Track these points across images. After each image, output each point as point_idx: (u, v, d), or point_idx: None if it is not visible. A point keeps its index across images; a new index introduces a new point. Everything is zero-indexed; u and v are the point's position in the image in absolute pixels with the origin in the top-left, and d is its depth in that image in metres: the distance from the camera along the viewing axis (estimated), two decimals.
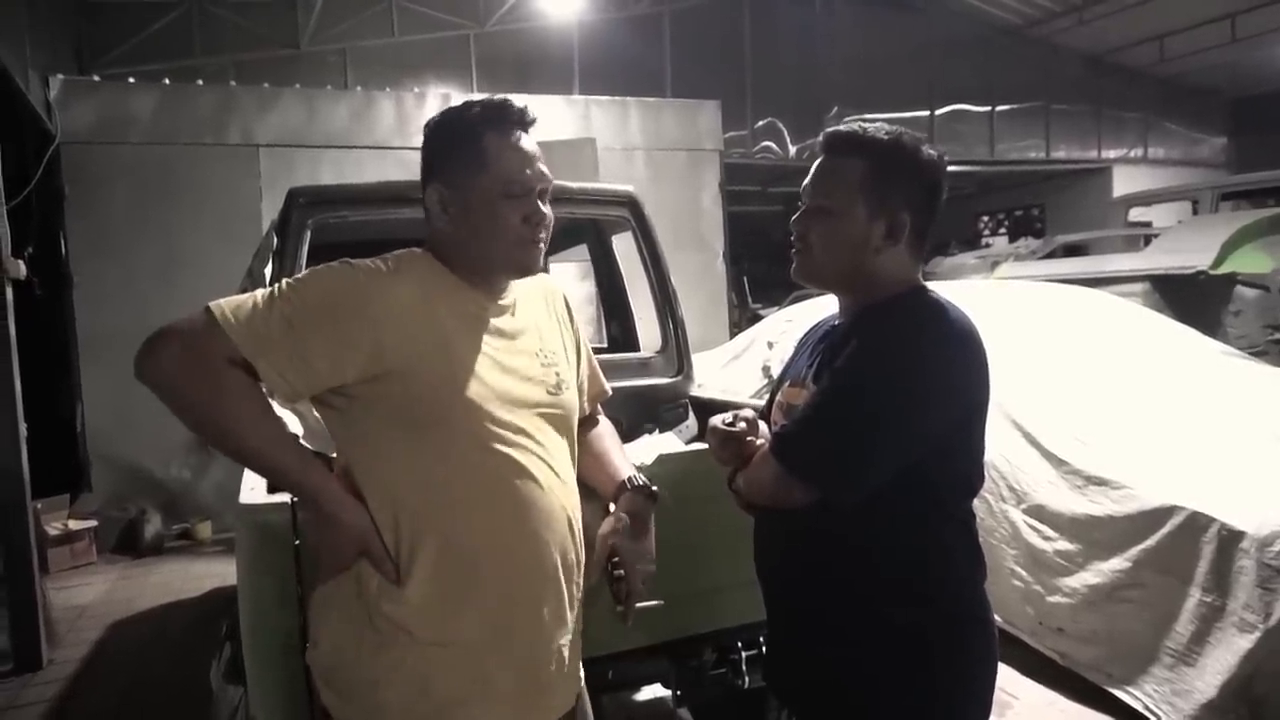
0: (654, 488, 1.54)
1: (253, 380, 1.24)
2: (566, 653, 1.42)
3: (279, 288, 1.28)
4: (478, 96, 1.44)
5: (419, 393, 1.29)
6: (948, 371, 1.30)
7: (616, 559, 1.46)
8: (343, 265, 1.32)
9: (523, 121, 1.42)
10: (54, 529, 5.27)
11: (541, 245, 1.43)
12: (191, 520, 5.97)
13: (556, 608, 1.39)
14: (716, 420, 1.48)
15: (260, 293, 1.27)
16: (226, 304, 1.24)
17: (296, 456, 1.28)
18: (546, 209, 1.42)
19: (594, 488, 1.58)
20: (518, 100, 1.42)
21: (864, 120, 1.42)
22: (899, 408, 1.28)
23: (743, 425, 1.44)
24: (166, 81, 6.82)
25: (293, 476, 1.28)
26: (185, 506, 6.05)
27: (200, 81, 7.04)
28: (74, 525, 5.43)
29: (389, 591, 1.28)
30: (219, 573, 5.06)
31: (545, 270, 1.54)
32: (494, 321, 1.41)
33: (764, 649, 1.97)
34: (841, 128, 1.42)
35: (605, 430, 1.69)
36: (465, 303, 1.39)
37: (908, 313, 1.35)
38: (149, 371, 1.22)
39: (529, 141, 1.42)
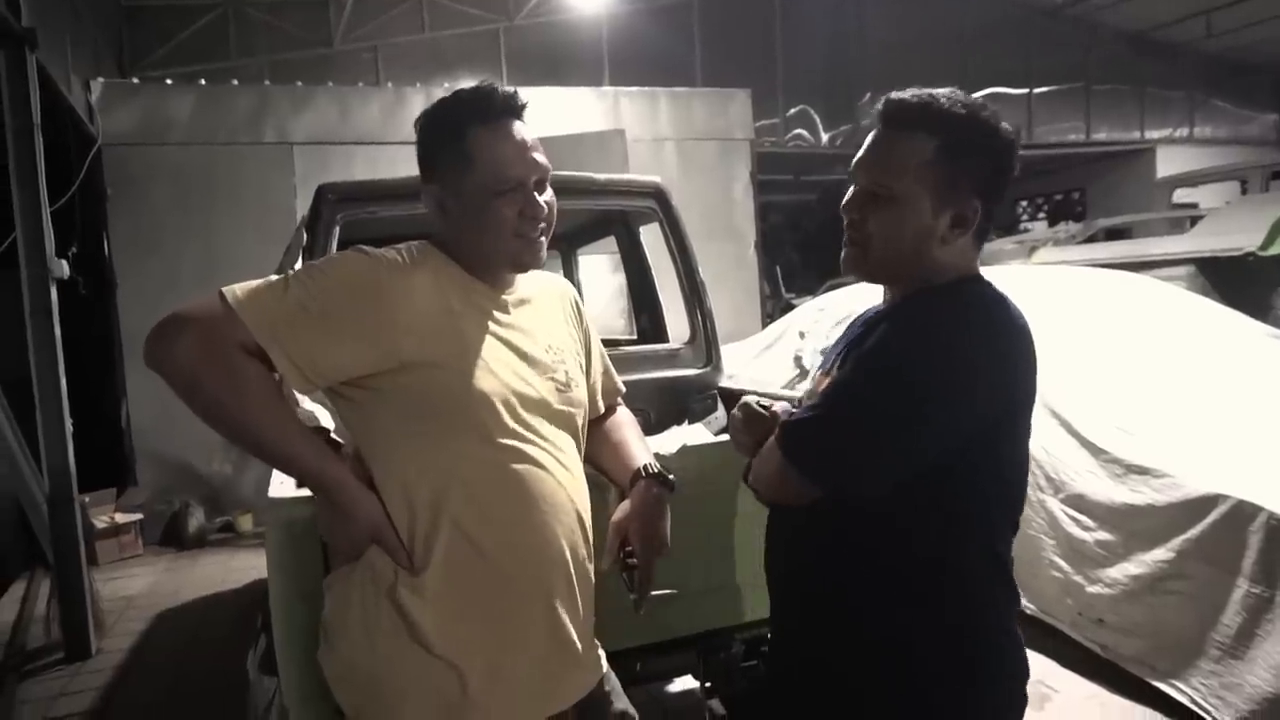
0: (670, 476, 1.52)
1: (268, 370, 1.22)
2: (579, 642, 1.40)
3: (296, 275, 1.26)
4: (465, 85, 1.38)
5: (434, 385, 1.28)
6: (977, 365, 1.15)
7: (630, 548, 1.44)
8: (358, 254, 1.30)
9: (511, 109, 1.37)
10: (101, 522, 5.42)
11: (541, 239, 1.39)
12: (233, 513, 6.10)
13: (567, 596, 1.38)
14: (751, 398, 1.39)
15: (275, 279, 1.25)
16: (240, 290, 1.22)
17: (311, 448, 1.27)
18: (544, 199, 1.38)
19: (610, 476, 1.57)
20: (504, 87, 1.37)
21: (929, 90, 1.20)
22: (917, 402, 1.14)
23: (775, 407, 1.35)
24: (203, 83, 6.95)
25: (308, 467, 1.27)
26: (227, 500, 6.18)
27: (236, 82, 7.17)
28: (120, 519, 5.58)
29: (404, 579, 1.28)
30: (260, 565, 5.09)
31: (568, 262, 1.53)
32: (503, 316, 1.39)
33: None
34: (906, 95, 1.21)
35: (625, 419, 1.67)
36: (476, 297, 1.38)
37: (943, 301, 1.20)
38: (163, 359, 1.20)
39: (519, 129, 1.36)
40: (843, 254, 1.28)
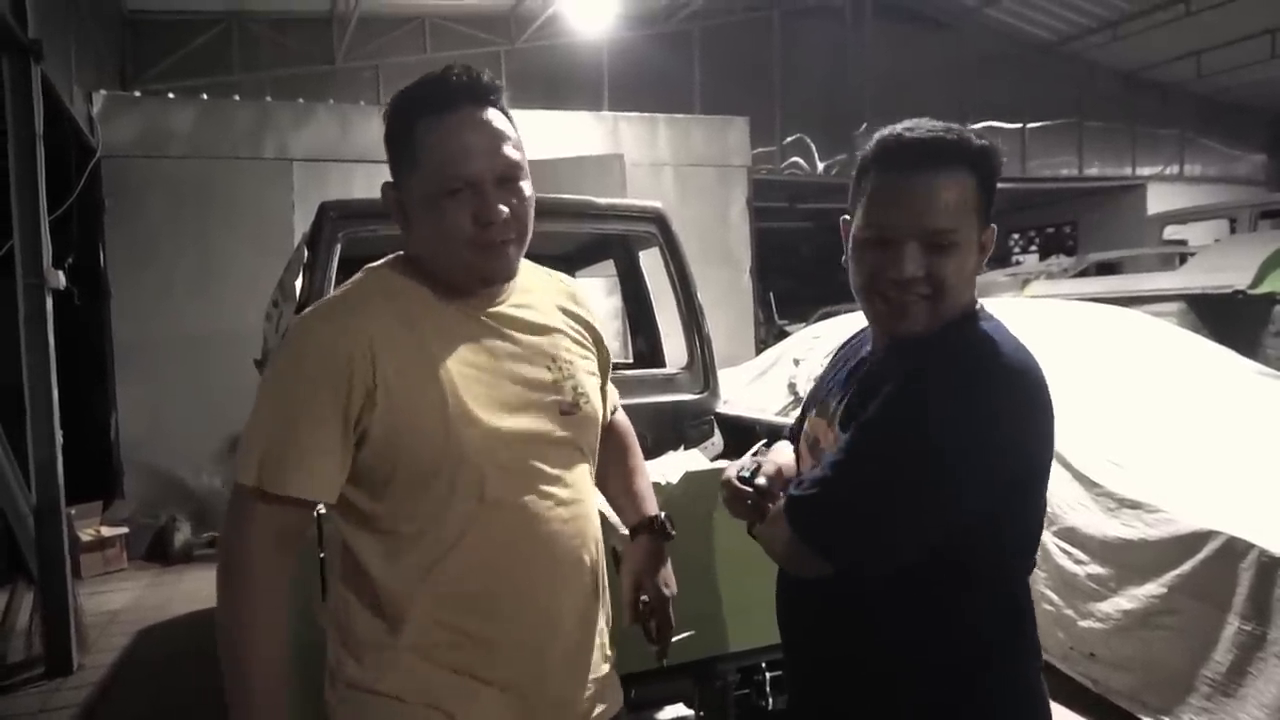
0: (671, 529, 1.45)
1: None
2: (590, 699, 1.28)
3: (266, 390, 1.16)
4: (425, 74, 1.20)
5: (408, 446, 1.13)
6: (1003, 430, 1.06)
7: (645, 597, 1.39)
8: (302, 330, 1.16)
9: (472, 94, 1.15)
10: (86, 535, 5.36)
11: (506, 246, 1.18)
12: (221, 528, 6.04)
13: (576, 655, 1.26)
14: (731, 472, 1.28)
15: (256, 416, 1.15)
16: (250, 460, 1.12)
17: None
18: (511, 200, 1.16)
19: (616, 509, 1.51)
20: (468, 69, 1.17)
21: (943, 125, 1.13)
22: (937, 477, 1.05)
23: (762, 481, 1.23)
24: (205, 97, 6.98)
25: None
26: (215, 515, 6.12)
27: (237, 97, 7.21)
28: (106, 532, 5.53)
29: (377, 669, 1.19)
30: None
31: (562, 273, 1.41)
32: (489, 340, 1.21)
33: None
34: (937, 130, 1.11)
35: (629, 443, 1.55)
36: (450, 320, 1.19)
37: (956, 350, 1.10)
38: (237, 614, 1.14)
39: (475, 120, 1.15)
40: (895, 308, 1.14)
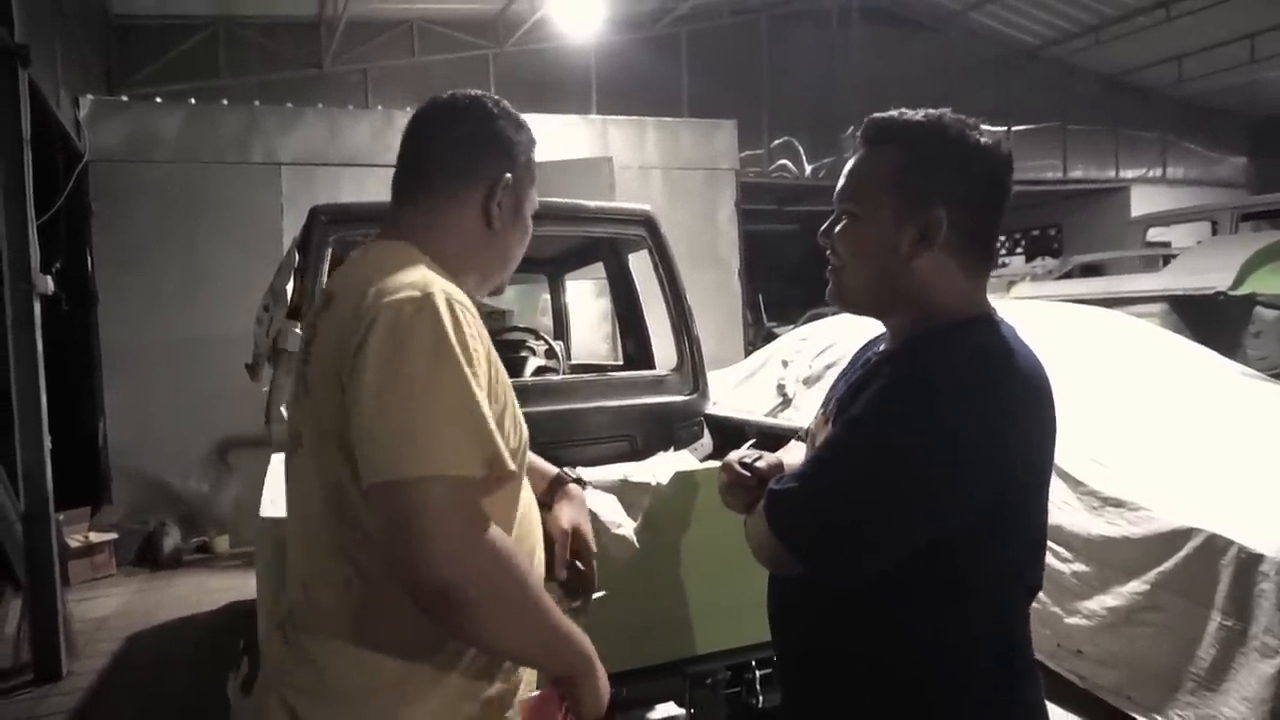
0: (583, 478, 1.53)
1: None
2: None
3: (422, 388, 1.00)
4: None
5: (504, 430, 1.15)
6: (989, 432, 1.01)
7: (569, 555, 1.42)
8: (434, 322, 1.03)
9: None
10: (75, 541, 5.33)
11: None
12: (209, 533, 6.03)
13: None
14: (732, 456, 1.29)
15: (442, 407, 1.01)
16: (444, 456, 0.98)
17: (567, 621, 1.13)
18: None
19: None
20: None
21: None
22: (917, 479, 1.01)
23: (761, 465, 1.25)
24: (193, 101, 6.97)
25: (580, 648, 1.11)
26: (203, 520, 6.11)
27: (225, 101, 7.19)
28: (94, 537, 5.50)
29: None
30: (236, 586, 5.09)
31: (555, 286, 1.50)
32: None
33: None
34: (880, 114, 1.15)
35: None
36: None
37: (950, 351, 1.07)
38: (473, 583, 0.97)
39: None
40: (828, 286, 1.20)
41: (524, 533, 1.23)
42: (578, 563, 1.40)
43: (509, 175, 1.25)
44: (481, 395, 1.03)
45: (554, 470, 1.52)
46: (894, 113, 1.14)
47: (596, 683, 1.14)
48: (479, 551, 0.99)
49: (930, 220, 1.09)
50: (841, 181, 1.17)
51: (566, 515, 1.43)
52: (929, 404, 1.01)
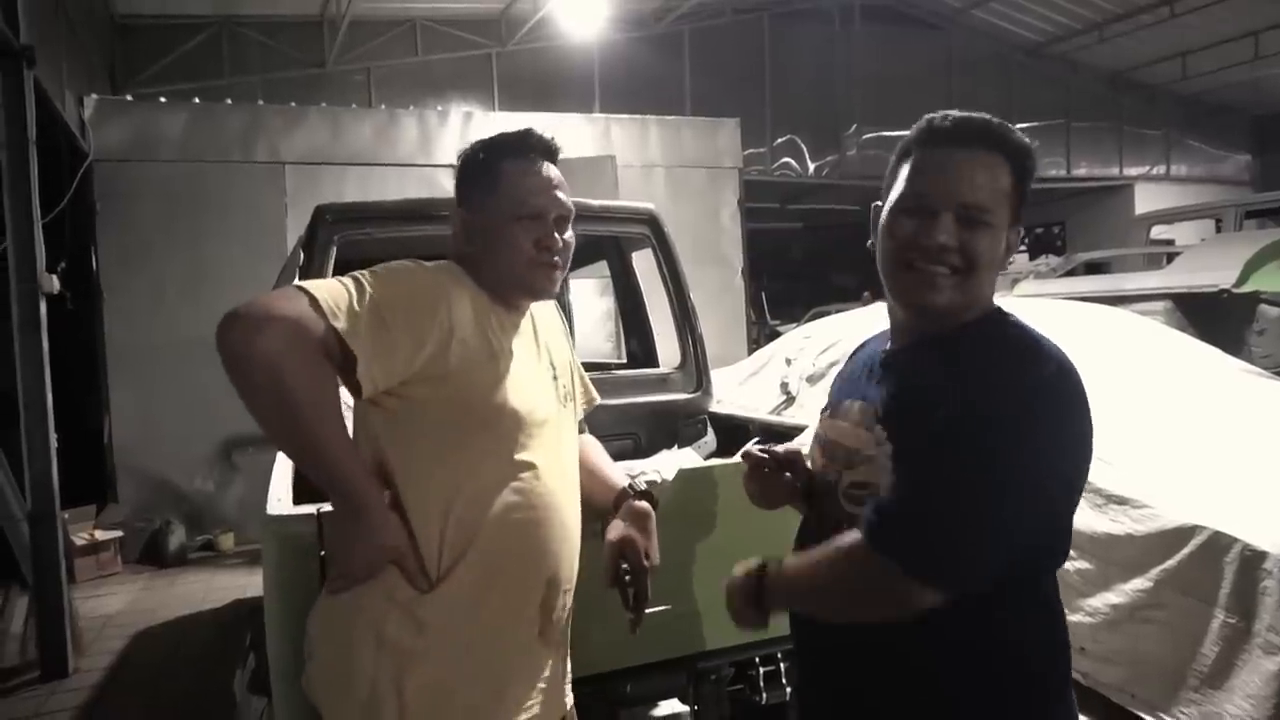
0: (653, 493, 1.59)
1: (335, 376, 1.23)
2: (564, 663, 1.47)
3: (362, 278, 1.27)
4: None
5: (471, 397, 1.31)
6: (1072, 419, 1.07)
7: (625, 565, 1.49)
8: (417, 265, 1.34)
9: (544, 150, 1.45)
10: (80, 539, 5.35)
11: (556, 271, 1.44)
12: (214, 531, 6.04)
13: (561, 618, 1.45)
14: (751, 444, 1.35)
15: (345, 280, 1.25)
16: (319, 289, 1.20)
17: (361, 465, 1.27)
18: (564, 236, 1.44)
19: (589, 499, 1.60)
20: (543, 131, 1.46)
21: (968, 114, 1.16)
22: (1031, 470, 1.02)
23: (780, 450, 1.30)
24: (196, 101, 6.98)
25: (355, 485, 1.24)
26: (208, 518, 6.13)
27: (229, 101, 7.20)
28: (100, 535, 5.51)
29: (420, 598, 1.30)
30: (241, 584, 5.11)
31: (564, 293, 1.57)
32: (520, 338, 1.45)
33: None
34: (974, 115, 1.14)
35: (592, 443, 1.73)
36: (500, 316, 1.42)
37: (1009, 347, 1.10)
38: (246, 349, 1.14)
39: (548, 169, 1.44)
40: (924, 277, 1.12)
41: (512, 518, 1.34)
42: (626, 578, 1.49)
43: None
44: (370, 297, 1.22)
45: (622, 483, 1.61)
46: (987, 117, 1.14)
47: (355, 526, 1.25)
48: (275, 337, 1.14)
49: (1017, 236, 1.17)
50: (962, 176, 1.11)
51: (617, 529, 1.52)
52: (1019, 402, 1.03)
